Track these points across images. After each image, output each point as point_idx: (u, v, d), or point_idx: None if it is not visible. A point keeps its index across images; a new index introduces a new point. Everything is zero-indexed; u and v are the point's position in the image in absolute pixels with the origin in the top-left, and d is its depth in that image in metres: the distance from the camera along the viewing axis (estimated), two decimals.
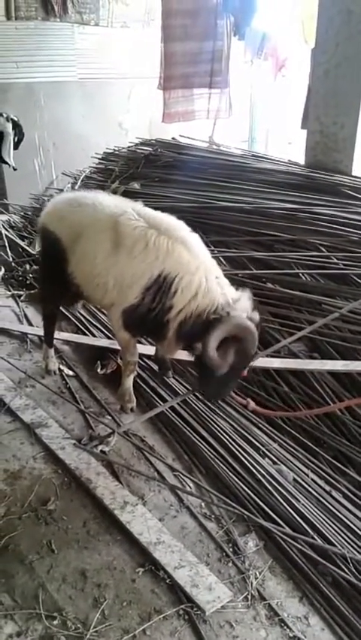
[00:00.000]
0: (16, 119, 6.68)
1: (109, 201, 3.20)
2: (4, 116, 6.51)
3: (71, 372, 3.77)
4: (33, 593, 2.22)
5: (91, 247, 3.08)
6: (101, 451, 2.99)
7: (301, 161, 5.66)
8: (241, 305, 2.76)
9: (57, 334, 3.89)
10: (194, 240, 2.95)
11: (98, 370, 3.71)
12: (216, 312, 2.73)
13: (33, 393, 3.51)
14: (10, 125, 6.55)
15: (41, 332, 4.03)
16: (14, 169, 6.88)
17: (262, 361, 3.40)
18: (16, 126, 6.68)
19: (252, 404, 3.26)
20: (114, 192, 5.75)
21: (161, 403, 3.33)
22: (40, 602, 2.18)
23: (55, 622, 2.10)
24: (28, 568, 2.33)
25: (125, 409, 3.36)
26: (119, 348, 3.45)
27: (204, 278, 2.79)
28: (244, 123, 9.43)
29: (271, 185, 5.03)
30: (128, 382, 3.38)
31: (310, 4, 6.08)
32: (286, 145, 8.88)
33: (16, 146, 6.80)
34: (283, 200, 4.69)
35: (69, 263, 3.23)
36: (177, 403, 3.29)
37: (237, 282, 4.04)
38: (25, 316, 4.54)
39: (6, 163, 6.82)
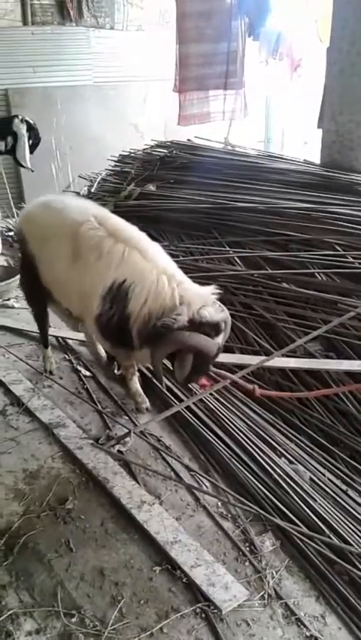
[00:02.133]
0: (31, 122, 6.74)
1: (76, 207, 3.11)
2: (20, 117, 6.58)
3: (88, 373, 3.80)
4: (52, 590, 2.25)
5: (54, 254, 3.06)
6: (118, 450, 3.01)
7: (317, 160, 5.64)
8: (194, 304, 2.64)
9: (72, 335, 3.92)
10: (152, 247, 2.90)
11: (115, 371, 3.74)
12: (160, 317, 2.64)
13: (51, 394, 3.55)
14: (24, 127, 6.61)
15: (59, 333, 4.09)
16: (31, 171, 6.95)
17: (278, 361, 3.40)
18: (31, 129, 6.73)
19: (258, 390, 3.13)
20: (130, 195, 5.81)
21: (177, 402, 3.34)
22: (59, 600, 2.20)
23: (73, 620, 2.13)
24: (46, 566, 2.36)
25: (140, 409, 3.36)
26: None
27: (155, 282, 2.70)
28: (259, 124, 9.44)
29: (286, 185, 5.01)
30: (134, 384, 3.36)
31: (325, 3, 6.06)
32: (302, 145, 8.86)
33: (31, 149, 6.86)
34: (299, 199, 4.68)
35: (38, 267, 3.21)
36: (193, 403, 3.30)
37: (252, 282, 4.10)
38: None
39: (22, 165, 6.89)
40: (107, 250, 2.81)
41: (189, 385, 3.27)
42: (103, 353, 3.78)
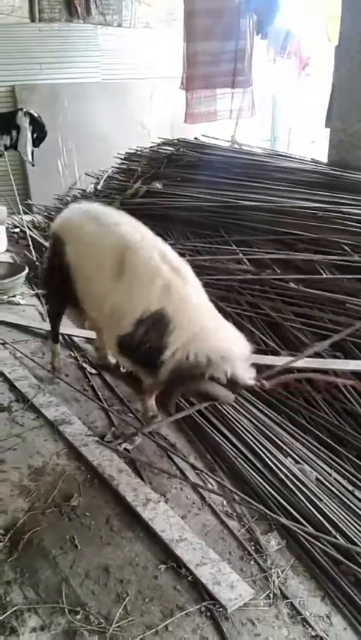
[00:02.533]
0: (35, 114, 6.70)
1: (128, 224, 3.03)
2: (23, 110, 6.56)
3: (94, 371, 3.80)
4: (56, 587, 2.25)
5: (95, 268, 2.96)
6: (124, 449, 3.01)
7: (325, 159, 5.63)
8: (231, 360, 2.57)
9: (79, 332, 3.91)
10: (197, 281, 2.85)
11: (122, 368, 3.73)
12: (201, 365, 2.56)
13: (56, 391, 3.54)
14: (27, 120, 6.58)
15: (66, 330, 4.07)
16: (32, 165, 6.91)
17: (285, 360, 3.39)
18: (35, 122, 6.68)
19: (266, 383, 2.98)
20: (136, 193, 5.80)
21: (186, 404, 3.32)
22: (64, 597, 2.20)
23: (78, 616, 2.12)
24: (51, 563, 2.36)
25: (149, 421, 3.23)
26: None
27: (201, 324, 2.65)
28: (266, 122, 9.42)
29: (293, 184, 5.00)
30: (148, 400, 3.24)
31: (334, 2, 6.04)
32: (310, 144, 8.84)
33: (35, 143, 6.81)
34: (306, 198, 4.66)
35: (72, 277, 3.12)
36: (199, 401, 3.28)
37: (259, 282, 4.09)
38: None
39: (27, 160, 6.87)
40: (161, 277, 2.71)
41: None
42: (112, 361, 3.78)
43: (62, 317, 3.74)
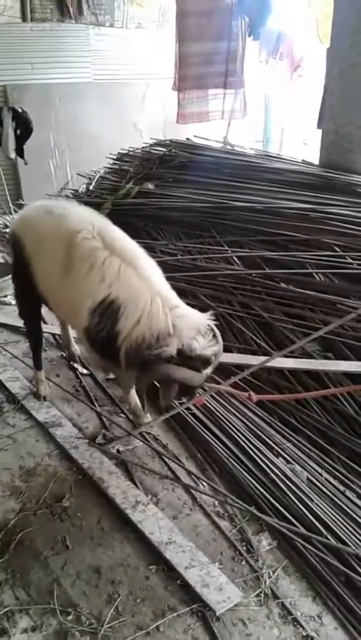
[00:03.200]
0: (19, 110, 6.62)
1: (76, 214, 2.94)
2: (7, 106, 6.50)
3: (85, 371, 3.79)
4: (48, 588, 2.24)
5: (49, 262, 2.90)
6: (117, 450, 3.00)
7: (316, 161, 5.64)
8: (186, 334, 2.56)
9: (72, 332, 3.87)
10: (149, 265, 2.79)
11: (110, 374, 3.72)
12: (152, 344, 2.56)
13: (47, 392, 3.52)
14: (10, 115, 6.49)
15: (56, 330, 4.06)
16: (9, 158, 6.81)
17: (276, 361, 3.40)
18: (18, 117, 6.58)
19: (254, 396, 3.02)
20: (128, 193, 5.79)
21: (176, 403, 3.32)
22: (55, 598, 2.20)
23: (69, 617, 2.12)
24: (43, 563, 2.35)
25: (141, 423, 3.20)
26: None
27: (149, 305, 2.59)
28: (258, 123, 9.44)
29: (285, 185, 5.01)
30: (132, 398, 3.21)
31: (326, 3, 6.07)
32: (301, 145, 8.87)
33: (22, 140, 6.71)
34: (298, 200, 4.67)
35: (34, 273, 3.03)
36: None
37: (250, 282, 4.10)
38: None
39: (9, 157, 6.75)
40: (101, 263, 2.67)
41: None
42: (77, 352, 3.81)
43: (41, 336, 3.60)
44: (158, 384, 2.84)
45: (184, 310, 2.69)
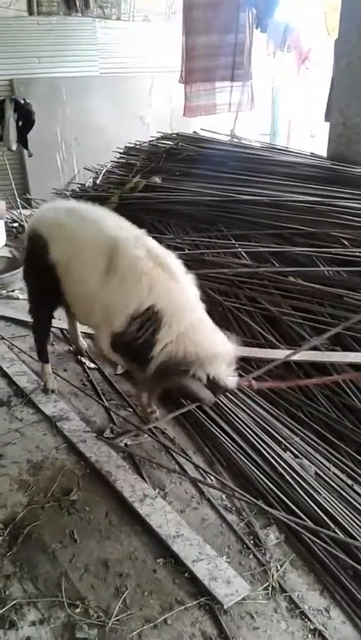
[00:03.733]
0: (21, 101, 6.54)
1: (112, 222, 2.98)
2: (10, 98, 6.46)
3: (92, 365, 3.80)
4: (56, 581, 2.25)
5: (86, 268, 2.89)
6: (125, 444, 3.00)
7: (324, 153, 5.61)
8: (215, 362, 2.58)
9: (80, 327, 3.87)
10: (188, 279, 2.82)
11: (119, 371, 3.73)
12: (186, 363, 2.58)
13: (55, 386, 3.53)
14: (12, 106, 6.42)
15: (64, 325, 4.06)
16: (10, 150, 6.77)
17: (283, 354, 3.39)
18: (20, 108, 6.51)
19: (255, 384, 2.99)
20: (135, 187, 5.78)
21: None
22: (63, 591, 2.21)
23: (77, 610, 2.13)
24: (50, 557, 2.36)
25: (149, 419, 3.21)
26: None
27: (189, 321, 2.65)
28: (266, 116, 9.38)
29: (293, 178, 4.98)
30: (144, 395, 3.25)
31: None
32: (309, 138, 8.80)
33: (24, 131, 6.65)
34: (306, 193, 4.65)
35: (60, 279, 3.02)
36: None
37: (258, 276, 4.08)
38: None
39: (10, 149, 6.70)
40: (147, 272, 2.69)
41: None
42: (84, 346, 3.81)
43: (49, 333, 3.63)
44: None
45: (219, 337, 2.72)
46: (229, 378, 2.63)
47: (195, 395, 2.58)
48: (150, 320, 2.66)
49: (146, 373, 2.75)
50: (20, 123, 6.65)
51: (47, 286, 3.13)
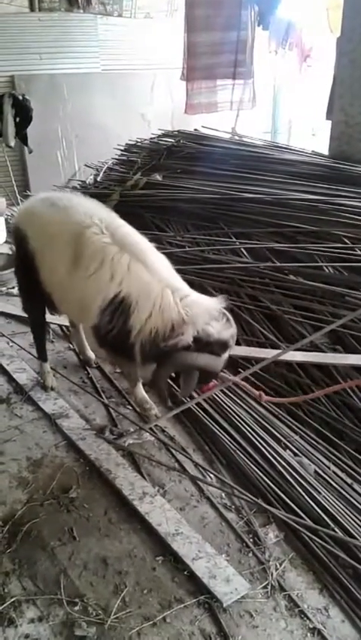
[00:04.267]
0: (20, 97, 6.51)
1: (83, 206, 2.90)
2: (10, 92, 6.44)
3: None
4: (55, 578, 2.25)
5: (56, 256, 2.84)
6: (127, 444, 3.00)
7: (325, 152, 5.60)
8: (200, 321, 2.56)
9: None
10: (158, 259, 2.77)
11: (118, 369, 3.71)
12: (166, 335, 2.56)
13: (54, 383, 3.52)
14: (10, 102, 6.40)
15: (64, 322, 4.06)
16: (8, 146, 6.75)
17: (285, 355, 3.38)
18: (18, 104, 6.48)
19: (264, 397, 3.04)
20: (136, 184, 5.77)
21: (186, 398, 3.31)
22: (62, 588, 2.20)
23: (76, 608, 2.13)
24: (50, 554, 2.36)
25: (149, 416, 3.19)
26: None
27: (160, 297, 2.59)
28: (266, 114, 9.37)
29: (294, 176, 4.98)
30: (139, 391, 3.22)
31: None
32: (310, 136, 8.80)
33: (21, 127, 6.63)
34: (307, 191, 4.64)
35: (39, 268, 2.99)
36: (198, 394, 3.27)
37: (259, 274, 4.08)
38: None
39: (9, 146, 6.68)
40: (111, 259, 2.65)
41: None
42: (92, 356, 3.76)
43: (45, 328, 3.59)
44: (174, 376, 2.84)
45: (195, 298, 2.68)
46: (223, 331, 2.59)
47: (201, 364, 2.55)
48: (117, 310, 2.63)
49: (135, 364, 2.75)
50: (18, 119, 6.62)
51: (30, 280, 3.11)
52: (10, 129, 6.45)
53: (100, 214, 2.85)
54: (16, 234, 3.16)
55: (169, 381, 2.91)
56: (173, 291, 2.63)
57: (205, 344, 2.56)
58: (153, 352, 2.64)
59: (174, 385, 3.37)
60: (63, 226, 2.83)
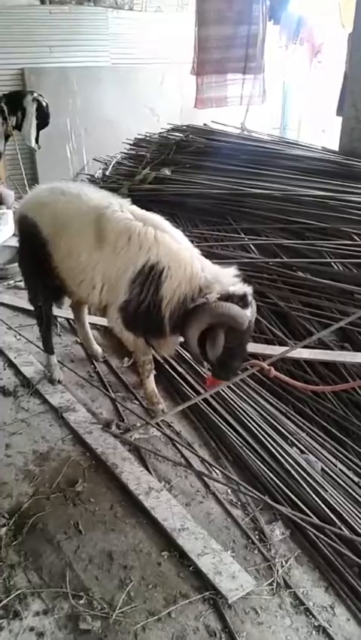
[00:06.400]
0: (43, 103, 6.60)
1: (94, 193, 3.04)
2: (33, 95, 6.49)
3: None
4: (60, 572, 2.25)
5: (75, 242, 2.92)
6: (133, 439, 3.00)
7: (335, 148, 5.56)
8: (221, 283, 2.67)
9: (89, 318, 3.84)
10: (177, 231, 2.92)
11: (125, 364, 3.72)
12: (194, 298, 2.68)
13: (61, 377, 3.52)
14: (34, 105, 6.50)
15: (71, 315, 4.05)
16: (34, 150, 6.84)
17: (292, 352, 3.36)
18: (40, 110, 6.58)
19: (273, 371, 3.01)
20: (145, 179, 5.75)
21: (192, 392, 3.31)
22: (67, 582, 2.20)
23: (81, 601, 2.13)
24: (55, 547, 2.36)
25: (155, 410, 3.21)
26: None
27: (191, 264, 2.73)
28: (276, 110, 9.32)
29: (303, 172, 4.95)
30: (150, 384, 3.23)
31: None
32: (320, 133, 8.74)
33: (37, 128, 6.71)
34: (316, 187, 4.61)
35: (52, 257, 3.03)
36: (204, 389, 3.27)
37: (267, 271, 4.06)
38: None
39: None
40: (137, 233, 2.76)
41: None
42: (99, 350, 3.78)
43: (52, 320, 3.58)
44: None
45: (213, 266, 2.82)
46: (241, 287, 2.68)
47: (230, 313, 2.58)
48: (148, 279, 2.72)
49: (163, 336, 2.84)
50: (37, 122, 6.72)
51: (42, 268, 3.12)
52: (33, 131, 6.54)
53: (114, 198, 3.01)
54: (24, 224, 3.19)
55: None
56: (197, 259, 2.79)
57: (227, 298, 2.63)
58: (182, 317, 2.72)
59: (182, 381, 3.38)
60: (80, 211, 2.94)
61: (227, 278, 2.72)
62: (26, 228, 3.17)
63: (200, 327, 2.64)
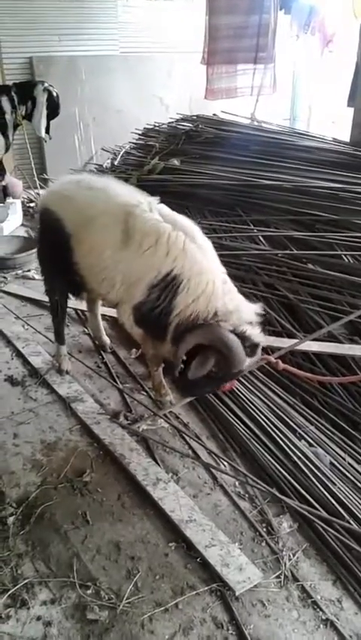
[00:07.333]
0: (54, 93, 6.59)
1: (122, 189, 2.94)
2: (44, 85, 6.45)
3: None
4: (67, 562, 2.26)
5: (100, 238, 2.83)
6: (141, 430, 2.99)
7: (346, 139, 5.51)
8: (239, 317, 2.57)
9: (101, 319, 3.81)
10: (207, 242, 2.79)
11: (133, 355, 3.71)
12: (207, 319, 2.57)
13: (69, 367, 3.52)
14: (45, 95, 6.46)
15: (80, 306, 4.04)
16: (45, 141, 6.82)
17: (301, 345, 3.35)
18: (50, 100, 6.55)
19: (281, 364, 3.02)
20: (153, 169, 5.72)
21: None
22: (75, 571, 2.21)
23: (88, 591, 2.13)
24: (63, 537, 2.36)
25: (163, 402, 3.21)
26: None
27: (211, 282, 2.61)
28: (286, 100, 9.24)
29: (314, 164, 4.91)
30: (158, 376, 3.22)
31: None
32: (330, 124, 8.66)
33: (47, 118, 6.69)
34: (327, 179, 4.58)
35: (74, 251, 2.97)
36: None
37: (276, 262, 4.03)
38: None
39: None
40: (167, 236, 2.65)
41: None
42: (108, 341, 3.76)
43: (65, 312, 3.56)
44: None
45: (238, 295, 2.70)
46: (258, 334, 2.59)
47: (230, 342, 2.48)
48: (168, 287, 2.63)
49: (162, 340, 2.75)
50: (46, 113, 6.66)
51: (62, 263, 3.07)
52: (43, 121, 6.50)
53: (143, 196, 2.89)
54: (47, 217, 3.11)
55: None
56: (223, 281, 2.67)
57: (242, 339, 2.54)
58: (186, 331, 2.61)
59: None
60: (108, 207, 2.84)
61: (248, 314, 2.61)
62: (49, 222, 3.09)
63: (199, 341, 2.58)
